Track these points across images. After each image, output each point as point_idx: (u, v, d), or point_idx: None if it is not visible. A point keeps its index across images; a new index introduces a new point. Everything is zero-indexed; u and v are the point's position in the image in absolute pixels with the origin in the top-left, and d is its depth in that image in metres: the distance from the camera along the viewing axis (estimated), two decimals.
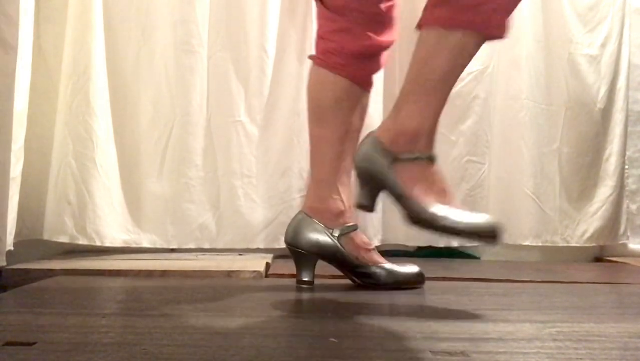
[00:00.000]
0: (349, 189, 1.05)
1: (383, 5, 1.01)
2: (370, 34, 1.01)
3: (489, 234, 0.84)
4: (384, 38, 1.03)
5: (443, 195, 0.87)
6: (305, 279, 1.01)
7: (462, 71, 0.89)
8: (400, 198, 0.86)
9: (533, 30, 1.64)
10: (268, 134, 1.51)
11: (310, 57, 1.07)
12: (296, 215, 1.04)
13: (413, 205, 0.85)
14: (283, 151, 1.51)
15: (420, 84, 0.88)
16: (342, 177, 1.04)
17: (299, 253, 1.01)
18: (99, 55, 1.39)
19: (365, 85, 1.06)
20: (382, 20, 1.02)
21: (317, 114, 1.05)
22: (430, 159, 0.88)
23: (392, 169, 0.86)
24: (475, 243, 0.83)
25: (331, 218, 1.02)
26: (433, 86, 0.87)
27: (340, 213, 1.03)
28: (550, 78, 1.66)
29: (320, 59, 1.05)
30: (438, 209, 0.84)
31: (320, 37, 1.06)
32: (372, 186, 0.89)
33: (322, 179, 1.04)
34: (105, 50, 1.41)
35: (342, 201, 1.03)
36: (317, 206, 1.03)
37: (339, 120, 1.03)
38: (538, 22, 1.65)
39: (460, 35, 0.85)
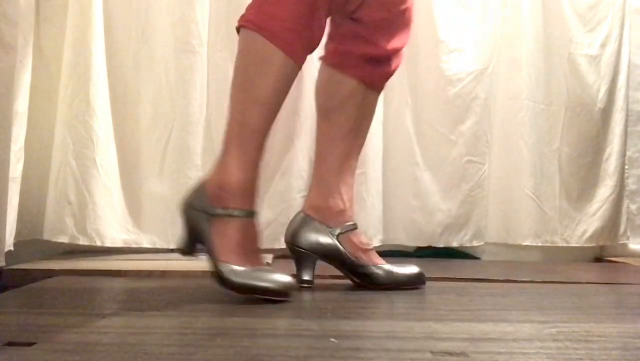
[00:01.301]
0: (351, 189, 1.05)
1: (396, 10, 1.00)
2: (379, 39, 1.01)
3: (278, 295, 0.86)
4: (394, 44, 1.02)
5: (252, 256, 0.89)
6: (306, 278, 1.01)
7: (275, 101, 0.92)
8: (209, 252, 0.89)
9: (533, 30, 1.65)
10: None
11: (320, 57, 1.07)
12: (296, 215, 1.04)
13: (211, 259, 0.88)
14: (283, 151, 1.51)
15: (229, 127, 0.90)
16: (345, 177, 1.04)
17: (299, 253, 1.01)
18: (99, 55, 1.39)
19: (373, 86, 1.05)
20: (393, 25, 1.01)
21: (323, 112, 1.05)
22: (249, 216, 0.90)
23: (209, 222, 0.89)
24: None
25: (331, 216, 1.02)
26: (239, 130, 0.89)
27: (341, 212, 1.03)
28: (550, 78, 1.66)
29: (330, 59, 1.04)
30: (226, 268, 0.86)
31: (330, 38, 1.05)
32: (191, 233, 0.93)
33: (323, 177, 1.04)
34: (105, 50, 1.41)
35: (343, 200, 1.03)
36: (317, 205, 1.03)
37: (343, 118, 1.03)
38: (538, 22, 1.65)
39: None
